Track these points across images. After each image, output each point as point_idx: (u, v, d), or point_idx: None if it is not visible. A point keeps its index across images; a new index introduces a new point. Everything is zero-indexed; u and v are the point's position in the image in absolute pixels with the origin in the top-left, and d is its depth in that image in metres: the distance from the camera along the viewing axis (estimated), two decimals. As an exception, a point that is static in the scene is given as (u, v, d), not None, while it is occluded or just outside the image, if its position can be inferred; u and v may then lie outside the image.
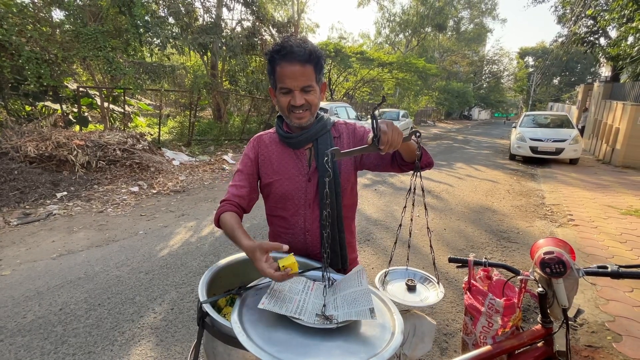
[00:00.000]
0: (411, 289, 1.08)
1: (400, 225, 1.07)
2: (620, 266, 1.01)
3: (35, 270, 2.88)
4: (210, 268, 0.95)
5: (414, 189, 0.99)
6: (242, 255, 1.07)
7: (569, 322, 1.05)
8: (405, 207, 1.03)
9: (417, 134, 0.90)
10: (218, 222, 1.04)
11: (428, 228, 1.08)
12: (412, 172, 1.06)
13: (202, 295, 0.81)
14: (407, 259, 1.21)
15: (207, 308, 0.75)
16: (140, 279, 2.76)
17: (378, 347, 0.67)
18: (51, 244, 3.45)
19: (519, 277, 1.12)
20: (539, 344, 1.09)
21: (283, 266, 0.76)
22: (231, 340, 0.71)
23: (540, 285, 1.06)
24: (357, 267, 0.87)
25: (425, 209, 1.04)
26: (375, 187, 6.03)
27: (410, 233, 1.06)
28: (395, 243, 1.16)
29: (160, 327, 2.17)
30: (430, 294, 1.06)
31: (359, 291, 0.77)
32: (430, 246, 1.09)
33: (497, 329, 1.10)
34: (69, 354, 1.92)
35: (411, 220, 1.02)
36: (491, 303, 1.10)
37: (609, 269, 1.00)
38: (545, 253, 1.01)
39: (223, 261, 1.02)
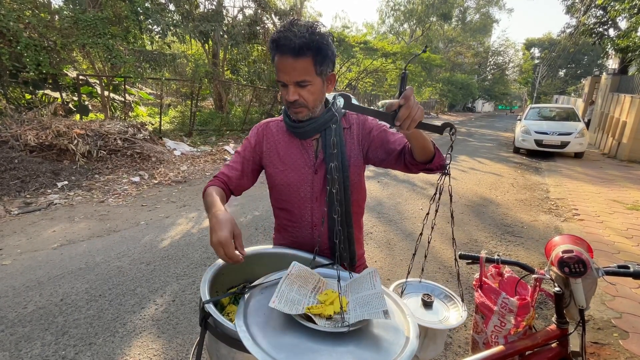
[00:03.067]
0: (427, 305, 1.01)
1: (420, 234, 0.98)
2: (642, 266, 0.97)
3: (36, 260, 2.86)
4: (213, 264, 0.90)
5: (441, 192, 0.87)
6: (245, 250, 1.03)
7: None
8: (427, 213, 0.93)
9: (452, 130, 0.74)
10: (204, 194, 1.02)
11: (453, 239, 0.98)
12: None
13: (204, 294, 0.76)
14: (422, 270, 1.11)
15: (210, 308, 0.71)
16: (141, 270, 2.74)
17: (393, 352, 0.63)
18: (52, 233, 3.43)
19: (533, 276, 1.07)
20: (553, 345, 1.05)
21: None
22: (235, 342, 0.67)
23: (556, 284, 1.02)
24: (369, 268, 0.82)
25: (452, 217, 0.93)
26: (378, 179, 5.98)
27: (428, 242, 0.97)
28: (414, 255, 1.06)
29: (162, 319, 2.15)
30: (450, 314, 0.98)
31: (372, 294, 0.72)
32: (455, 259, 1.01)
33: (510, 328, 1.06)
34: (69, 345, 1.91)
35: (432, 228, 0.92)
36: (504, 302, 1.06)
37: (631, 269, 0.95)
38: (564, 252, 0.97)
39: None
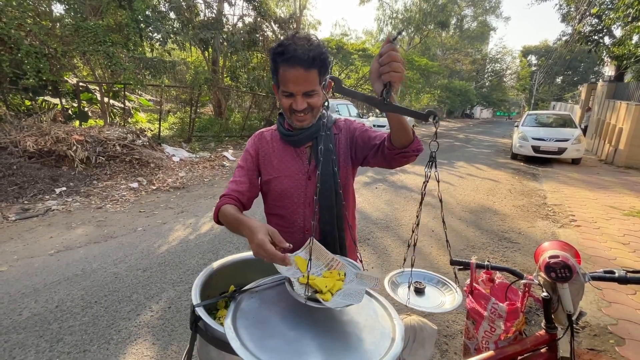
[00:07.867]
0: (419, 292, 1.02)
1: (414, 245, 0.99)
2: (628, 271, 0.98)
3: (33, 267, 2.86)
4: (205, 269, 0.92)
5: (424, 193, 0.91)
6: (238, 256, 1.04)
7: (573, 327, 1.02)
8: (419, 217, 0.95)
9: (435, 118, 0.77)
10: (217, 217, 0.99)
11: (447, 241, 1.01)
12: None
13: (195, 298, 0.78)
14: (408, 262, 1.13)
15: (200, 312, 0.73)
16: (138, 276, 2.74)
17: (377, 354, 0.64)
18: (49, 240, 3.43)
19: (522, 281, 1.09)
20: (543, 350, 1.06)
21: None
22: (225, 345, 0.68)
23: (544, 289, 1.03)
24: (377, 274, 0.84)
25: (444, 222, 0.96)
26: (375, 186, 6.00)
27: (412, 235, 0.99)
28: (414, 245, 1.08)
29: (157, 325, 2.15)
30: (446, 299, 0.99)
31: (359, 291, 0.76)
32: (451, 260, 1.04)
33: (500, 334, 1.07)
34: (64, 352, 1.90)
35: (418, 224, 0.95)
36: (494, 307, 1.07)
37: (617, 274, 0.97)
38: (551, 257, 0.98)
39: (218, 262, 0.99)
